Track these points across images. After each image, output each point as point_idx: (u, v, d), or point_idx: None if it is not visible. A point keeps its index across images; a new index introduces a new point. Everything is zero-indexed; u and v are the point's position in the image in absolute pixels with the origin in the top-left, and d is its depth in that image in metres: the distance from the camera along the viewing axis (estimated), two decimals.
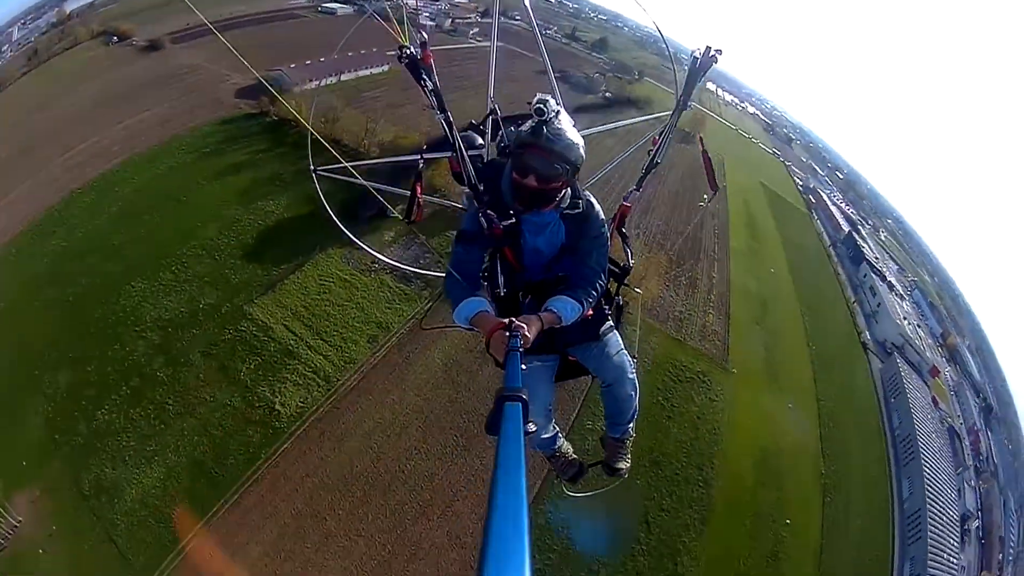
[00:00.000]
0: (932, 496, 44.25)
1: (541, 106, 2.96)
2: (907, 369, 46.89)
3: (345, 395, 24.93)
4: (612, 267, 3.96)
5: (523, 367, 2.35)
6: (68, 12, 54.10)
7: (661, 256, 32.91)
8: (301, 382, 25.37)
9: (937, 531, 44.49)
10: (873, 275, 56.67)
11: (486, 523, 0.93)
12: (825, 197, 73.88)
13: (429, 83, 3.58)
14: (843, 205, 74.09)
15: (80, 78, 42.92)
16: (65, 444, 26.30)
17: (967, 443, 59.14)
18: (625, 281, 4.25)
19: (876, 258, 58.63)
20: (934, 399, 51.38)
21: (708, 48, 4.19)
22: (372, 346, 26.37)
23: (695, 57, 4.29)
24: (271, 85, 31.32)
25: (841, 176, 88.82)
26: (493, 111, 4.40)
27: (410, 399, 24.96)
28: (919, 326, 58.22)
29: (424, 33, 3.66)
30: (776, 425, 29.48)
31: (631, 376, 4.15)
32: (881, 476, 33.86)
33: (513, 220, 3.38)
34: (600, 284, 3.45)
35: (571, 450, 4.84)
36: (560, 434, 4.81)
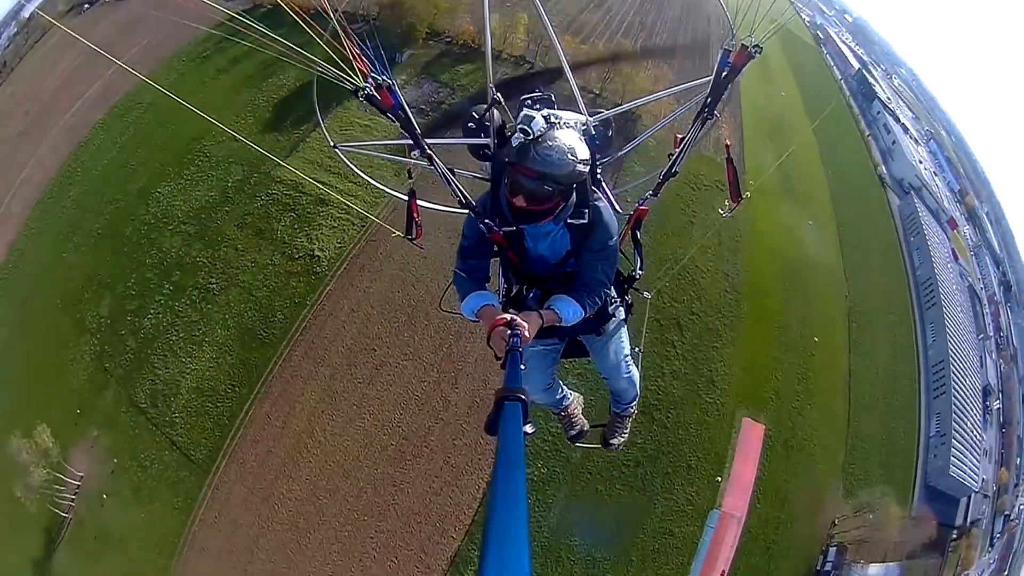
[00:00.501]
0: (955, 351, 46.80)
1: (525, 126, 2.88)
2: (925, 212, 48.93)
3: (378, 229, 26.04)
4: (619, 274, 3.99)
5: (522, 367, 2.52)
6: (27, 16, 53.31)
7: (666, 71, 33.37)
8: (336, 225, 26.59)
9: (960, 394, 47.50)
10: (887, 114, 56.43)
11: (486, 522, 0.98)
12: (834, 34, 71.82)
13: (398, 121, 3.42)
14: (853, 46, 73.70)
15: (62, 50, 42.14)
16: (117, 368, 28.30)
17: (988, 311, 62.43)
18: (634, 286, 4.33)
19: (888, 99, 59.37)
20: (953, 252, 53.66)
21: (743, 46, 3.63)
22: (398, 178, 27.18)
23: (726, 52, 3.75)
24: None
25: (850, 20, 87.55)
26: (496, 102, 4.21)
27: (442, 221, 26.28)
28: (935, 174, 59.74)
29: (386, 76, 3.35)
30: (797, 239, 31.31)
31: (626, 375, 4.53)
32: (904, 315, 36.17)
33: (513, 228, 3.42)
34: (604, 293, 3.54)
35: (579, 410, 5.34)
36: (569, 395, 5.22)
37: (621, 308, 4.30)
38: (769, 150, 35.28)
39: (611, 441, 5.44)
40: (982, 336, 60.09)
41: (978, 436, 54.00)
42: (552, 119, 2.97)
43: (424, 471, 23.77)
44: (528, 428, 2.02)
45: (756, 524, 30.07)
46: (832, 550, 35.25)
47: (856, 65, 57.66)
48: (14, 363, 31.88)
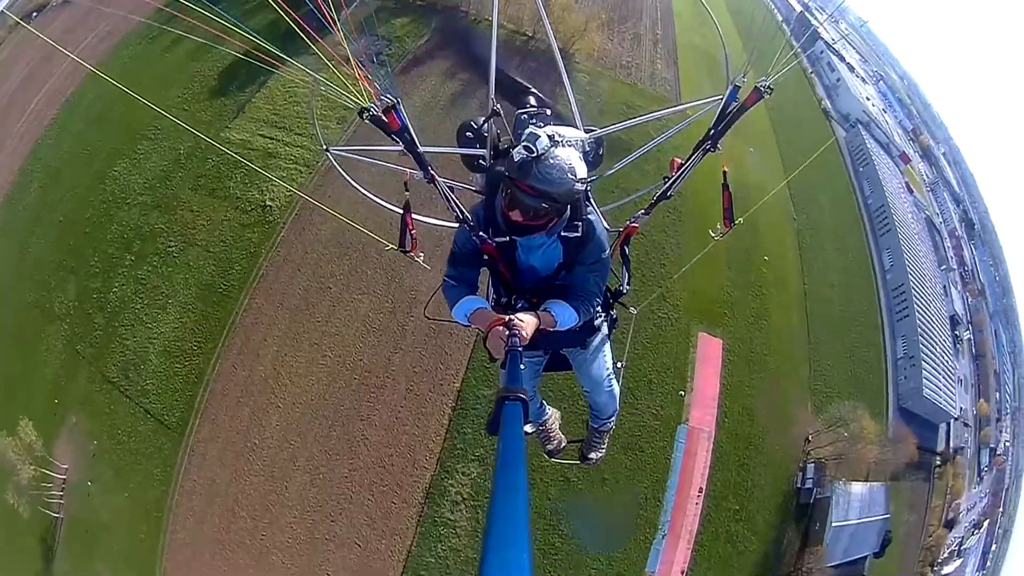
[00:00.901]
0: (915, 276, 47.97)
1: (529, 143, 2.89)
2: (874, 144, 50.29)
3: (325, 174, 27.00)
4: (606, 288, 4.02)
5: (522, 366, 2.53)
6: None
7: (599, 10, 34.61)
8: (285, 175, 27.38)
9: (925, 318, 48.64)
10: (830, 53, 57.34)
11: (487, 522, 0.99)
12: None
13: (402, 142, 3.45)
14: None
15: (11, 62, 42.92)
16: (87, 348, 28.94)
17: (948, 244, 63.83)
18: (620, 300, 4.42)
19: (833, 40, 60.52)
20: (907, 184, 54.97)
21: (756, 88, 3.67)
22: (342, 126, 28.29)
23: (735, 88, 3.80)
24: None
25: None
26: (495, 112, 4.23)
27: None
28: (884, 111, 60.89)
29: (393, 95, 3.32)
30: (738, 163, 32.54)
31: (608, 389, 4.59)
32: (857, 239, 37.24)
33: (507, 238, 3.44)
34: (596, 303, 3.61)
35: (557, 425, 5.49)
36: (547, 410, 5.40)
37: (606, 323, 4.34)
38: (707, 84, 36.62)
39: (589, 456, 5.47)
40: (944, 267, 61.25)
41: (950, 363, 55.27)
42: (556, 137, 2.94)
43: (389, 402, 24.51)
44: (528, 428, 2.16)
45: (726, 440, 30.87)
46: (810, 466, 35.95)
47: (799, 8, 59.15)
48: None
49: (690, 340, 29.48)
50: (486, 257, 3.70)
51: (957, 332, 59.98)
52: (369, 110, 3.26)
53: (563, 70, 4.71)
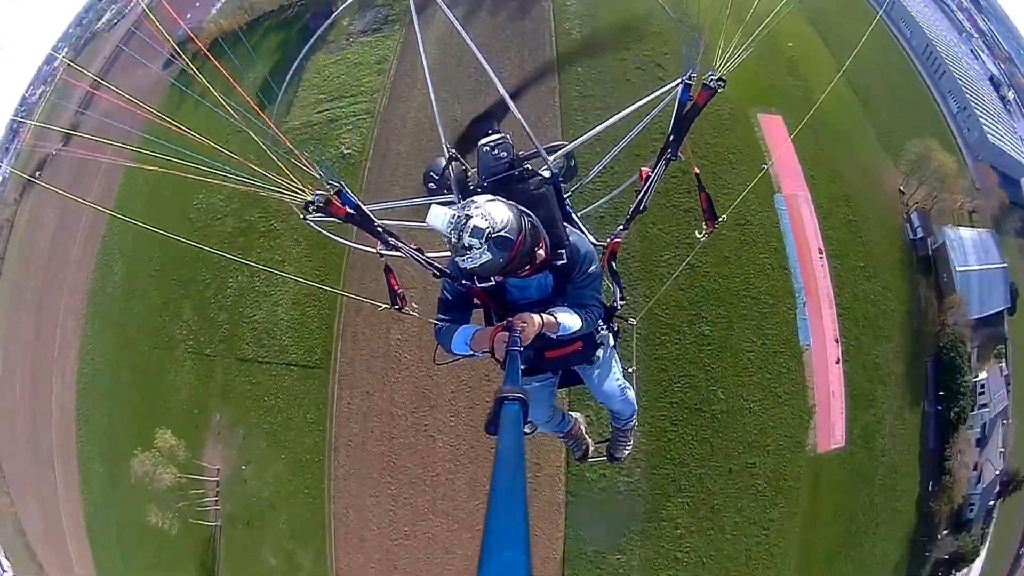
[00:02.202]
0: (937, 38, 47.95)
1: (450, 238, 2.82)
2: None
3: (385, 105, 29.20)
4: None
5: (522, 366, 2.59)
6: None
7: None
8: (353, 128, 29.72)
9: (963, 75, 48.28)
10: None
11: (486, 521, 0.99)
12: None
13: (356, 225, 3.45)
14: None
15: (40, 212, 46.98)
16: (217, 345, 32.07)
17: (961, 16, 62.68)
18: (618, 314, 4.49)
19: None
20: None
21: (705, 85, 3.59)
22: (382, 75, 30.73)
23: (686, 87, 3.72)
24: None
25: None
26: (452, 158, 4.20)
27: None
28: None
29: (334, 180, 3.30)
30: None
31: (620, 398, 4.71)
32: (866, 12, 37.77)
33: (492, 283, 3.35)
34: (596, 313, 3.68)
35: (583, 429, 5.63)
36: (571, 418, 5.49)
37: (609, 335, 4.39)
38: None
39: (616, 455, 5.61)
40: (964, 34, 60.23)
41: (1005, 118, 54.27)
42: (457, 219, 2.79)
43: None
44: (527, 428, 2.13)
45: (825, 201, 31.21)
46: (914, 216, 35.70)
47: None
48: (124, 419, 34.29)
49: (751, 121, 30.09)
50: (476, 301, 3.68)
51: (1001, 93, 58.52)
52: (313, 202, 3.18)
53: (509, 102, 4.57)
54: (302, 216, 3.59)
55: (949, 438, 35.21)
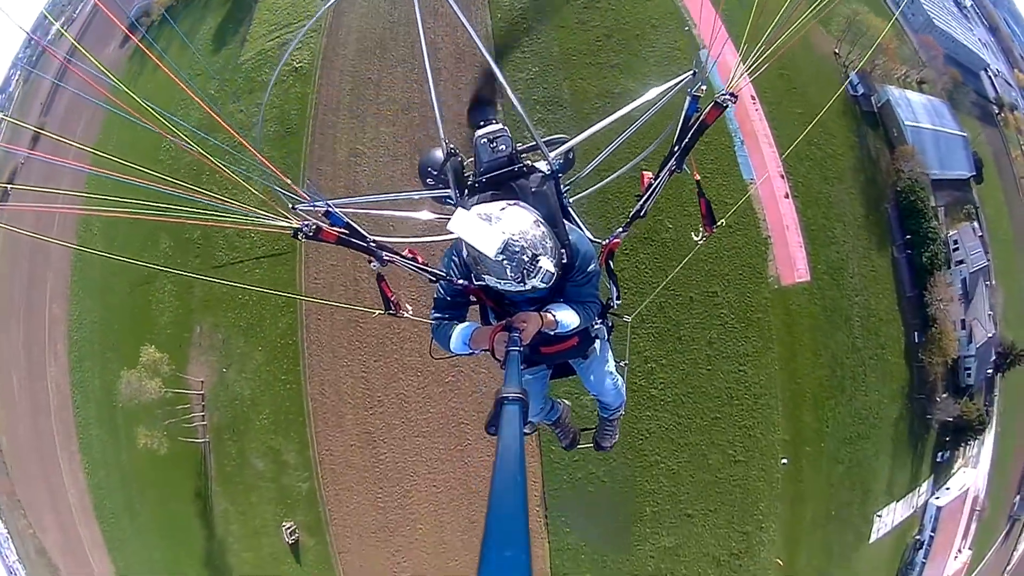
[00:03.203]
0: None
1: (512, 275, 2.85)
2: None
3: (331, 22, 32.11)
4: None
5: (522, 366, 2.68)
6: None
7: None
8: (302, 47, 32.90)
9: None
10: None
11: (486, 521, 1.00)
12: None
13: (348, 245, 3.39)
14: None
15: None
16: (193, 260, 32.50)
17: None
18: (613, 312, 4.56)
19: None
20: None
21: (715, 103, 3.53)
22: None
23: (694, 99, 3.69)
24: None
25: None
26: (451, 153, 4.18)
27: None
28: None
29: (320, 200, 3.24)
30: None
31: (613, 390, 4.85)
32: None
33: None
34: (594, 308, 3.74)
35: (569, 417, 5.80)
36: (559, 406, 5.63)
37: (603, 330, 4.50)
38: None
39: (603, 444, 5.81)
40: None
41: (957, 15, 56.05)
42: (517, 254, 2.84)
43: None
44: (527, 428, 2.24)
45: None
46: (853, 75, 36.55)
47: None
48: (114, 369, 34.78)
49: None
50: (473, 298, 3.69)
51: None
52: (301, 230, 3.09)
53: (512, 97, 4.38)
54: (299, 237, 3.44)
55: (927, 284, 34.98)
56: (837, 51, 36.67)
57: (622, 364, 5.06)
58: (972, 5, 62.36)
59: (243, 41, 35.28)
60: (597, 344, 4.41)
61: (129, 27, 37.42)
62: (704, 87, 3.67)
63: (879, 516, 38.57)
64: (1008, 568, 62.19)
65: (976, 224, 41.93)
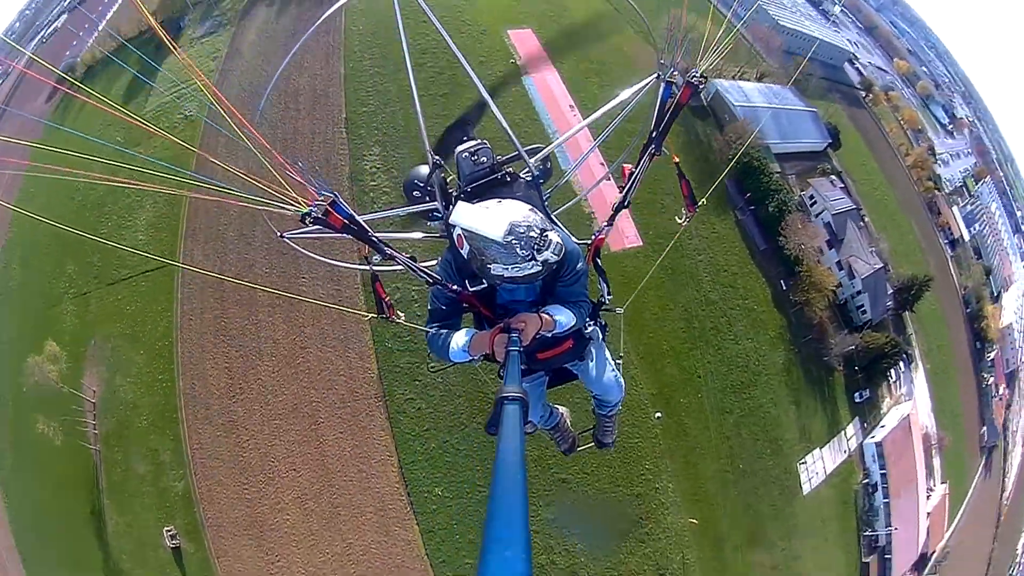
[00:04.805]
0: None
1: (522, 251, 2.93)
2: None
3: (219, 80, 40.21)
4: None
5: (523, 367, 2.75)
6: None
7: None
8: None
9: None
10: None
11: (486, 521, 1.02)
12: None
13: (351, 235, 3.42)
14: None
15: None
16: (91, 280, 35.70)
17: None
18: (605, 308, 4.73)
19: None
20: None
21: (688, 83, 3.77)
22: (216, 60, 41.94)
23: (668, 85, 3.90)
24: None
25: None
26: (437, 165, 4.28)
27: None
28: None
29: (327, 191, 3.23)
30: None
31: (614, 386, 4.99)
32: None
33: (484, 284, 3.53)
34: (586, 307, 3.90)
35: (568, 423, 6.14)
36: (558, 413, 5.95)
37: (597, 329, 4.63)
38: None
39: (604, 441, 6.06)
40: None
41: (813, 14, 63.40)
42: (524, 230, 2.95)
43: None
44: (527, 428, 2.63)
45: (574, 76, 37.55)
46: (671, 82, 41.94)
47: None
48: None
49: (501, 36, 37.56)
50: (466, 305, 3.84)
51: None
52: (310, 213, 3.15)
53: (489, 99, 4.61)
54: (279, 234, 3.72)
55: (780, 231, 37.66)
56: (662, 60, 41.94)
57: (618, 360, 5.17)
58: (842, 11, 69.62)
59: (148, 95, 41.14)
60: (592, 345, 4.53)
61: (57, 80, 43.53)
62: (676, 73, 3.98)
63: (803, 465, 38.80)
64: (1005, 495, 58.43)
65: (834, 177, 45.18)
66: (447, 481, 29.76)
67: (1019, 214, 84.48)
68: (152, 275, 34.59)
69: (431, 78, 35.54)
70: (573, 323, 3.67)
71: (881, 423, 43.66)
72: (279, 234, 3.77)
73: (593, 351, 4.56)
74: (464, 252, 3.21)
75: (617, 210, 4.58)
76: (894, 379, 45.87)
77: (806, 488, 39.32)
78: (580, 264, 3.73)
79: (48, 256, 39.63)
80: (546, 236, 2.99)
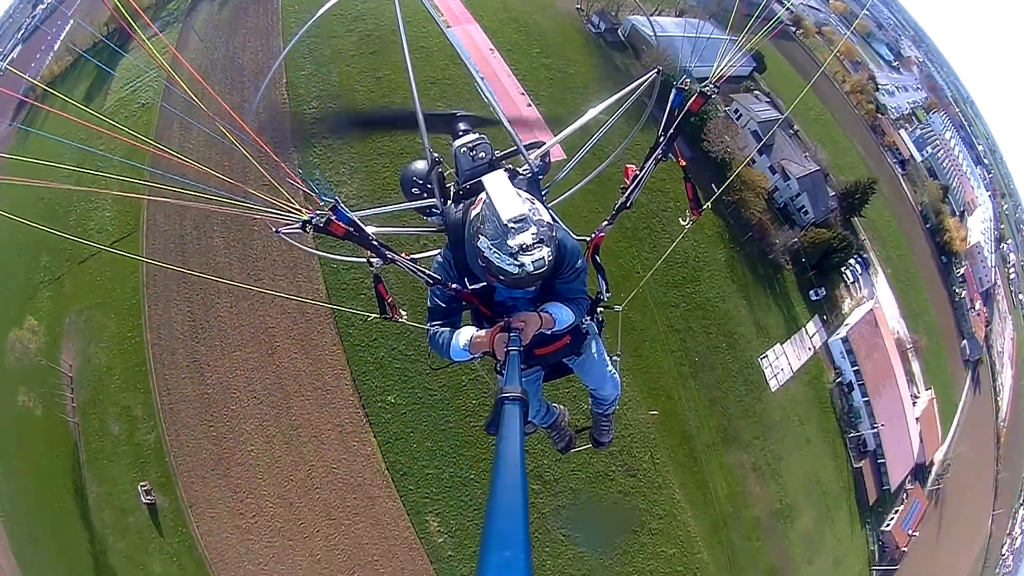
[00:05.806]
0: None
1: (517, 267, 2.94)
2: None
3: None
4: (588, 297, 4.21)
5: (522, 366, 2.77)
6: None
7: None
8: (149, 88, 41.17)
9: None
10: None
11: (486, 521, 1.01)
12: None
13: (353, 240, 3.47)
14: None
15: None
16: (64, 264, 37.57)
17: None
18: (603, 305, 4.76)
19: None
20: None
21: (701, 83, 3.81)
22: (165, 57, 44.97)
23: (680, 92, 3.96)
24: None
25: None
26: (436, 161, 4.23)
27: None
28: None
29: (329, 196, 3.25)
30: None
31: (611, 382, 5.08)
32: None
33: (484, 283, 3.56)
34: (584, 303, 3.92)
35: (566, 421, 6.11)
36: (555, 410, 5.95)
37: (594, 325, 4.70)
38: None
39: (602, 441, 6.04)
40: None
41: None
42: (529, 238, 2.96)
43: None
44: (528, 428, 2.66)
45: (493, 25, 40.48)
46: (595, 17, 44.70)
47: None
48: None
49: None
50: (465, 303, 3.87)
51: None
52: (311, 221, 3.18)
53: (494, 103, 4.76)
54: (275, 230, 3.55)
55: (701, 138, 39.80)
56: (580, 7, 44.94)
57: (614, 358, 5.23)
58: None
59: (106, 95, 44.28)
60: (589, 341, 4.61)
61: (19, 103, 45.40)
62: (688, 80, 4.02)
63: (765, 360, 39.15)
64: (1001, 416, 56.88)
65: (758, 93, 46.95)
66: (398, 388, 31.08)
67: (980, 148, 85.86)
68: (119, 243, 37.30)
69: (361, 39, 38.87)
70: (572, 320, 3.72)
71: (846, 322, 43.96)
72: (275, 230, 3.73)
73: (591, 346, 4.68)
74: (482, 226, 3.13)
75: (619, 210, 4.70)
76: (852, 280, 46.43)
77: (773, 384, 39.66)
78: (580, 261, 3.77)
79: (25, 253, 41.03)
80: (537, 247, 2.99)
